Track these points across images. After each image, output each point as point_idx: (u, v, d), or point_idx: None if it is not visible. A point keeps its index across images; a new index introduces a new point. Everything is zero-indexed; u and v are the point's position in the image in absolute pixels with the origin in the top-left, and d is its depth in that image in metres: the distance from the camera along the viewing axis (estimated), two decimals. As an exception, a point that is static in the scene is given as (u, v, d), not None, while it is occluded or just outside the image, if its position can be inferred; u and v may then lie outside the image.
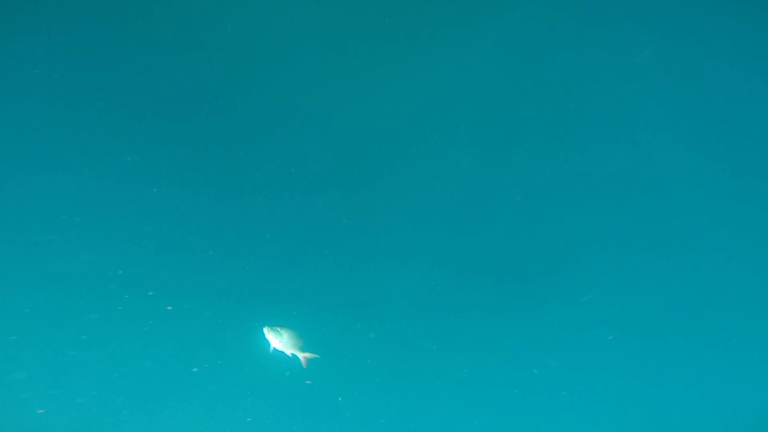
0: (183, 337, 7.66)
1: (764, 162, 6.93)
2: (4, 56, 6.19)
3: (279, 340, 5.06)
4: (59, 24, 6.25)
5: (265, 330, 5.08)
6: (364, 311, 7.86)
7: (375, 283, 7.74)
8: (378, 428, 8.32)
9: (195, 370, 7.72)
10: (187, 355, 7.73)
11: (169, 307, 7.33)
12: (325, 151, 7.23)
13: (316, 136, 7.14)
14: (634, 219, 7.43)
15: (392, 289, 7.80)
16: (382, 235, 7.60)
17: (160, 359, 7.65)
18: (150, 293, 7.30)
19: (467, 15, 6.68)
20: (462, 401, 8.35)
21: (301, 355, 5.31)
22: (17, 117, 6.46)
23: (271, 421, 8.13)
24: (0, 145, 6.48)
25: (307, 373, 7.49)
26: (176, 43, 6.58)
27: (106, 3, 6.27)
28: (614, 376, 8.17)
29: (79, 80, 6.53)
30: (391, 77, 6.97)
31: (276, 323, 5.22)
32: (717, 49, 6.61)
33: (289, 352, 5.20)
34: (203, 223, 7.29)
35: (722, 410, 8.32)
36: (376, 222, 7.55)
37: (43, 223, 6.83)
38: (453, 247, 7.71)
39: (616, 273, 7.68)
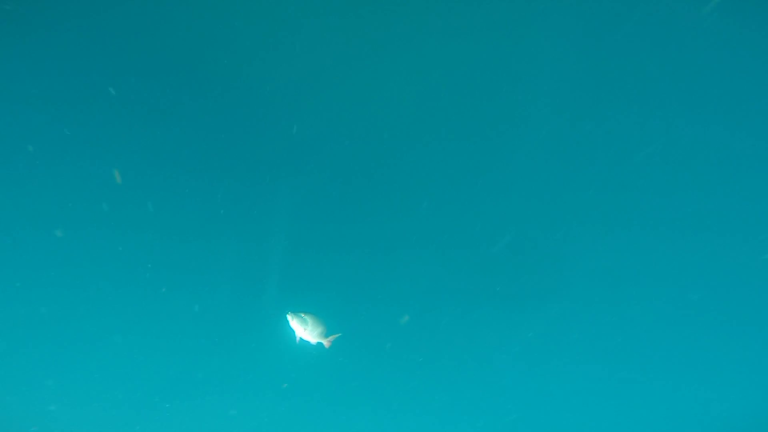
0: (204, 332, 7.83)
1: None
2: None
3: (304, 328, 4.91)
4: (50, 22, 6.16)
5: (289, 317, 4.89)
6: (377, 299, 7.85)
7: (388, 271, 7.70)
8: (403, 415, 8.38)
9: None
10: (209, 349, 7.91)
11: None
12: (336, 141, 7.09)
13: (334, 126, 7.00)
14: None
15: (405, 276, 7.74)
16: (393, 223, 7.51)
17: (169, 357, 7.87)
18: (163, 290, 7.45)
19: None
20: (480, 387, 8.33)
21: (325, 339, 5.15)
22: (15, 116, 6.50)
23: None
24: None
25: (333, 355, 7.59)
26: (173, 34, 6.45)
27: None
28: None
29: (77, 76, 6.47)
30: (398, 67, 6.72)
31: (298, 310, 5.02)
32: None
33: (314, 340, 5.02)
34: (219, 215, 7.32)
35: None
36: (387, 211, 7.46)
37: (45, 221, 6.87)
38: (468, 236, 7.57)
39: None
